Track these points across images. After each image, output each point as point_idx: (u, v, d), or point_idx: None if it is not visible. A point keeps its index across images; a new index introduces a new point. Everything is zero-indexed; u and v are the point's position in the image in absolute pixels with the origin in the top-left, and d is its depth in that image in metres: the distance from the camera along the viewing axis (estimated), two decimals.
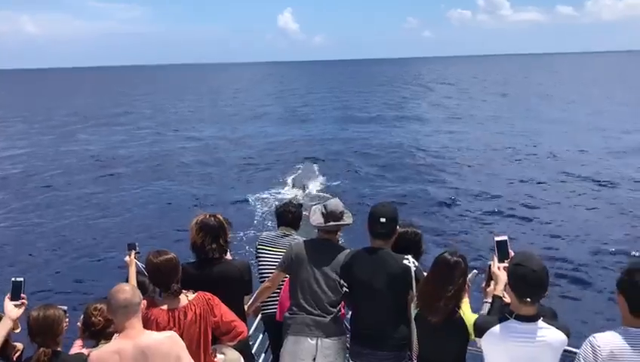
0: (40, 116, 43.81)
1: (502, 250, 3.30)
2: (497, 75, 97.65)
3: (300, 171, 19.19)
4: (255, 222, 13.61)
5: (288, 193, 16.26)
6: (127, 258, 3.96)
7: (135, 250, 3.99)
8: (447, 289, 3.14)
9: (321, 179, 18.16)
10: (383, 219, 3.56)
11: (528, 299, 2.79)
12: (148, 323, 3.17)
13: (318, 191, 16.55)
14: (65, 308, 3.41)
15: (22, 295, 3.25)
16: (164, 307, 3.29)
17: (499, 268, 3.20)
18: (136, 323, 2.93)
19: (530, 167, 19.71)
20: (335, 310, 3.81)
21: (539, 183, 17.53)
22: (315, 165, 20.39)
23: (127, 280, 3.81)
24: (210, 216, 3.72)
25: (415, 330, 3.40)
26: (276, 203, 14.31)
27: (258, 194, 16.24)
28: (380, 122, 33.81)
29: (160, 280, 3.32)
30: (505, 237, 3.34)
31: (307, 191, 16.49)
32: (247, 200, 15.75)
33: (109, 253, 11.36)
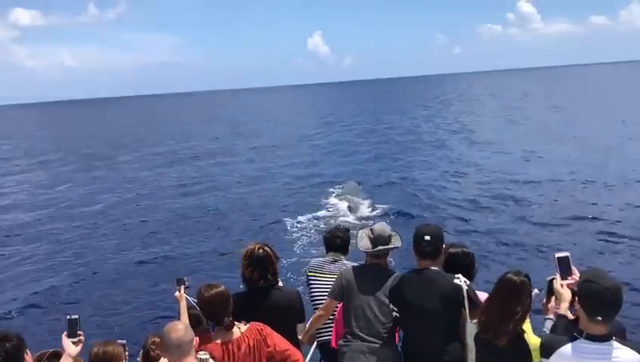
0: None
1: (564, 266, 3.20)
2: (521, 88, 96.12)
3: (342, 191, 18.99)
4: (297, 248, 13.45)
5: (334, 214, 16.18)
6: (177, 293, 3.96)
7: (184, 284, 4.00)
8: (514, 311, 3.10)
9: (365, 199, 17.79)
10: (427, 237, 3.55)
11: (599, 318, 2.64)
12: None
13: (364, 212, 16.35)
14: (124, 342, 3.52)
15: (78, 332, 3.28)
16: (218, 341, 3.31)
17: (562, 285, 3.10)
18: (191, 361, 2.93)
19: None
20: (389, 335, 3.81)
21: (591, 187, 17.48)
22: (358, 185, 19.99)
23: (178, 315, 3.88)
24: (259, 247, 3.79)
25: (473, 351, 3.36)
26: (322, 226, 14.59)
27: (302, 217, 16.09)
28: (418, 143, 33.38)
29: (213, 314, 3.35)
30: (567, 254, 3.24)
31: (353, 212, 16.26)
32: (290, 224, 15.61)
33: (161, 285, 11.29)
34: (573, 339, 2.73)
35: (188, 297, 3.91)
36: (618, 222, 14.05)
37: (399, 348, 3.88)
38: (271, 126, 55.43)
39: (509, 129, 37.22)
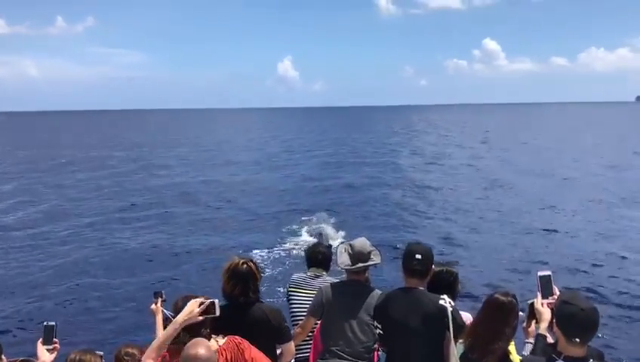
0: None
1: (545, 285, 3.17)
2: (486, 123, 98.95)
3: (314, 220, 18.42)
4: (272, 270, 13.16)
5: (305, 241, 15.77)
6: (152, 306, 3.86)
7: (162, 297, 3.90)
8: (502, 331, 3.10)
9: (335, 229, 17.40)
10: (418, 256, 3.52)
11: (577, 339, 2.66)
12: None
13: (337, 238, 15.95)
14: (101, 353, 3.42)
15: (54, 339, 3.23)
16: None
17: (542, 304, 3.08)
18: None
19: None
20: (368, 355, 3.74)
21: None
22: (328, 215, 19.46)
23: (154, 328, 3.78)
24: (242, 262, 3.64)
25: None
26: (299, 246, 14.41)
27: (271, 243, 15.76)
28: (376, 166, 33.94)
29: (189, 326, 3.21)
30: (548, 273, 3.21)
31: (326, 241, 15.63)
32: (261, 248, 15.25)
33: (139, 297, 10.95)
34: (551, 361, 2.73)
35: (164, 310, 3.79)
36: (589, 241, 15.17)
37: None
38: (233, 148, 54.88)
39: (480, 158, 38.65)
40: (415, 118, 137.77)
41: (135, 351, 3.48)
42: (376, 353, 3.90)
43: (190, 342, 2.89)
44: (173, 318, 3.32)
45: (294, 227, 17.73)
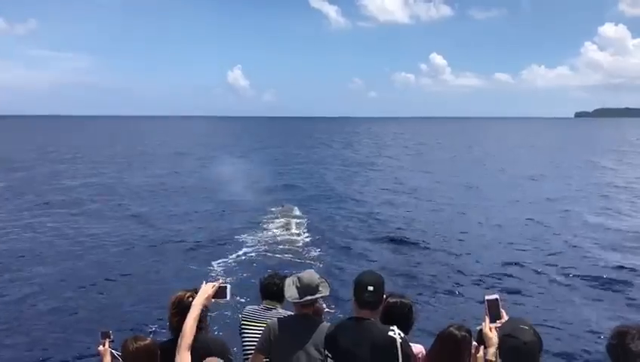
0: None
1: (493, 309, 3.15)
2: (424, 136, 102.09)
3: (280, 212, 19.99)
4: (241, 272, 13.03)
5: (276, 234, 16.72)
6: (100, 347, 3.74)
7: (109, 338, 3.78)
8: None
9: (301, 218, 19.07)
10: (370, 288, 3.44)
11: None
12: None
13: (300, 229, 17.35)
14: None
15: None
16: None
17: (490, 329, 3.07)
18: None
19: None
20: None
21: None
22: (294, 206, 21.21)
23: None
24: (188, 295, 3.58)
25: None
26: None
27: (243, 242, 16.01)
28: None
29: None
30: (496, 296, 3.20)
31: (291, 230, 17.13)
32: (230, 251, 14.99)
33: (85, 337, 9.78)
34: None
35: (113, 351, 3.69)
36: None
37: None
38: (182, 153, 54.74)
39: (426, 173, 38.72)
40: (359, 129, 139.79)
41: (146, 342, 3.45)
42: None
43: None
44: (122, 359, 3.36)
45: (259, 222, 18.40)
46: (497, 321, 3.12)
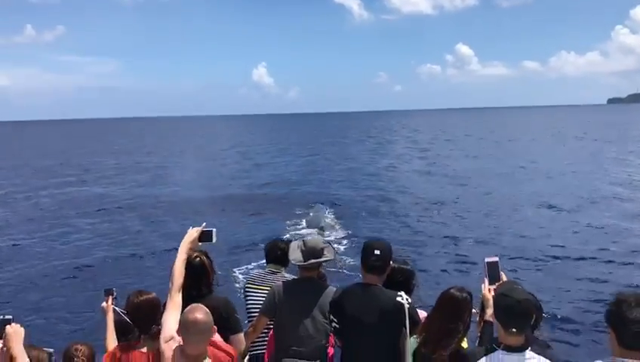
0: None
1: (493, 271, 3.19)
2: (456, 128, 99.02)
3: (311, 213, 19.18)
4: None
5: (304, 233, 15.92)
6: (104, 304, 3.83)
7: (113, 295, 3.86)
8: (455, 327, 3.13)
9: (334, 220, 18.33)
10: (377, 251, 3.48)
11: (514, 330, 2.74)
12: None
13: (333, 230, 16.63)
14: (51, 350, 3.29)
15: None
16: (144, 349, 3.20)
17: (489, 290, 3.11)
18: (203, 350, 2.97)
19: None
20: (321, 353, 3.72)
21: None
22: (325, 207, 20.44)
23: (105, 327, 3.75)
24: (195, 255, 3.60)
25: None
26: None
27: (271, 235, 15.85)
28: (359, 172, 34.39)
29: (139, 321, 3.26)
30: (496, 259, 3.23)
31: (323, 232, 16.24)
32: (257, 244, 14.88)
33: (91, 295, 10.76)
34: (491, 351, 2.80)
35: (116, 308, 3.77)
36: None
37: None
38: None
39: (448, 161, 39.10)
40: (392, 122, 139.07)
41: (84, 348, 3.44)
42: (331, 349, 3.87)
43: (188, 308, 2.98)
44: (126, 315, 3.38)
45: (292, 221, 18.11)
46: (496, 284, 3.12)
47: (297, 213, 19.69)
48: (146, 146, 65.30)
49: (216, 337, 3.24)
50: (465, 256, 13.87)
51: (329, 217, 18.83)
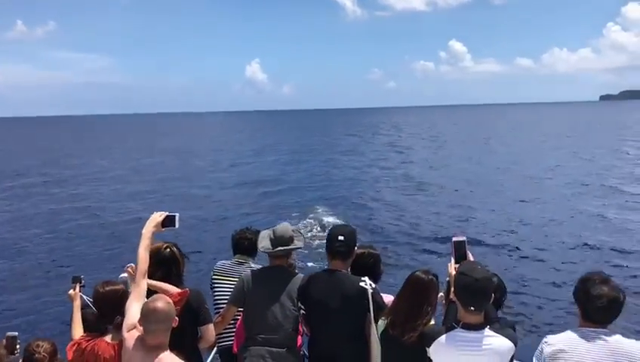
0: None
1: (460, 250, 3.20)
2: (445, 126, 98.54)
3: (311, 212, 18.77)
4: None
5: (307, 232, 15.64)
6: (71, 291, 3.78)
7: (80, 283, 3.82)
8: (422, 309, 3.15)
9: (335, 217, 17.89)
10: (341, 237, 3.52)
11: (472, 308, 2.79)
12: (93, 357, 3.13)
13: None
14: (15, 333, 3.44)
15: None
16: (109, 339, 3.20)
17: (455, 269, 3.10)
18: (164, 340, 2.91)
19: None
20: (291, 341, 3.69)
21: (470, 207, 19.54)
22: (325, 206, 20.14)
23: (72, 315, 3.71)
24: (166, 246, 3.62)
25: (379, 349, 3.32)
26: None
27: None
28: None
29: (105, 311, 3.25)
30: (463, 238, 3.24)
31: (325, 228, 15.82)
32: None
33: (58, 283, 10.88)
34: (451, 329, 2.85)
35: (83, 296, 3.73)
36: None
37: (303, 352, 3.84)
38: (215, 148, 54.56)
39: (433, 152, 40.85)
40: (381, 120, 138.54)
41: (46, 344, 3.41)
42: (299, 337, 3.85)
43: (151, 298, 2.95)
44: (92, 304, 3.39)
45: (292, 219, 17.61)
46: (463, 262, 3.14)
47: (294, 214, 19.06)
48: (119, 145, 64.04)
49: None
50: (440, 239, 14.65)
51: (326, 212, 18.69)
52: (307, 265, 10.89)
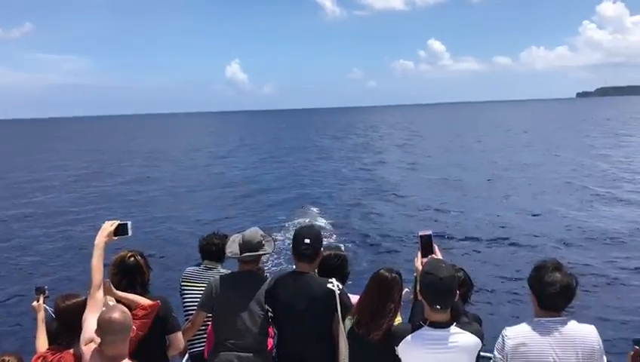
0: None
1: (426, 244, 3.21)
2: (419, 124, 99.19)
3: (302, 214, 18.33)
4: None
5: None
6: (34, 303, 3.72)
7: (44, 294, 3.76)
8: (387, 306, 3.15)
9: (324, 219, 17.66)
10: (307, 240, 3.53)
11: (438, 307, 2.82)
12: None
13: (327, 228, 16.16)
14: None
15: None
16: (71, 351, 3.17)
17: (422, 263, 3.11)
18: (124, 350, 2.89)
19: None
20: (260, 345, 3.68)
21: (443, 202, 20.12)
22: (313, 207, 19.83)
23: (36, 327, 3.66)
24: (130, 255, 3.61)
25: (347, 349, 3.33)
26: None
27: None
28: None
29: (67, 326, 3.21)
30: (429, 232, 3.24)
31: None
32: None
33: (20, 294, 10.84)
34: (417, 328, 2.87)
35: (47, 307, 3.65)
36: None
37: (272, 354, 3.82)
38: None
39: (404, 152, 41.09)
40: (365, 117, 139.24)
41: (12, 359, 3.41)
42: (270, 340, 3.86)
43: (107, 308, 2.94)
44: (55, 316, 3.32)
45: (279, 221, 17.42)
46: (429, 257, 3.15)
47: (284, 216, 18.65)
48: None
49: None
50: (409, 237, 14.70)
51: (320, 216, 18.29)
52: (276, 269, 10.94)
